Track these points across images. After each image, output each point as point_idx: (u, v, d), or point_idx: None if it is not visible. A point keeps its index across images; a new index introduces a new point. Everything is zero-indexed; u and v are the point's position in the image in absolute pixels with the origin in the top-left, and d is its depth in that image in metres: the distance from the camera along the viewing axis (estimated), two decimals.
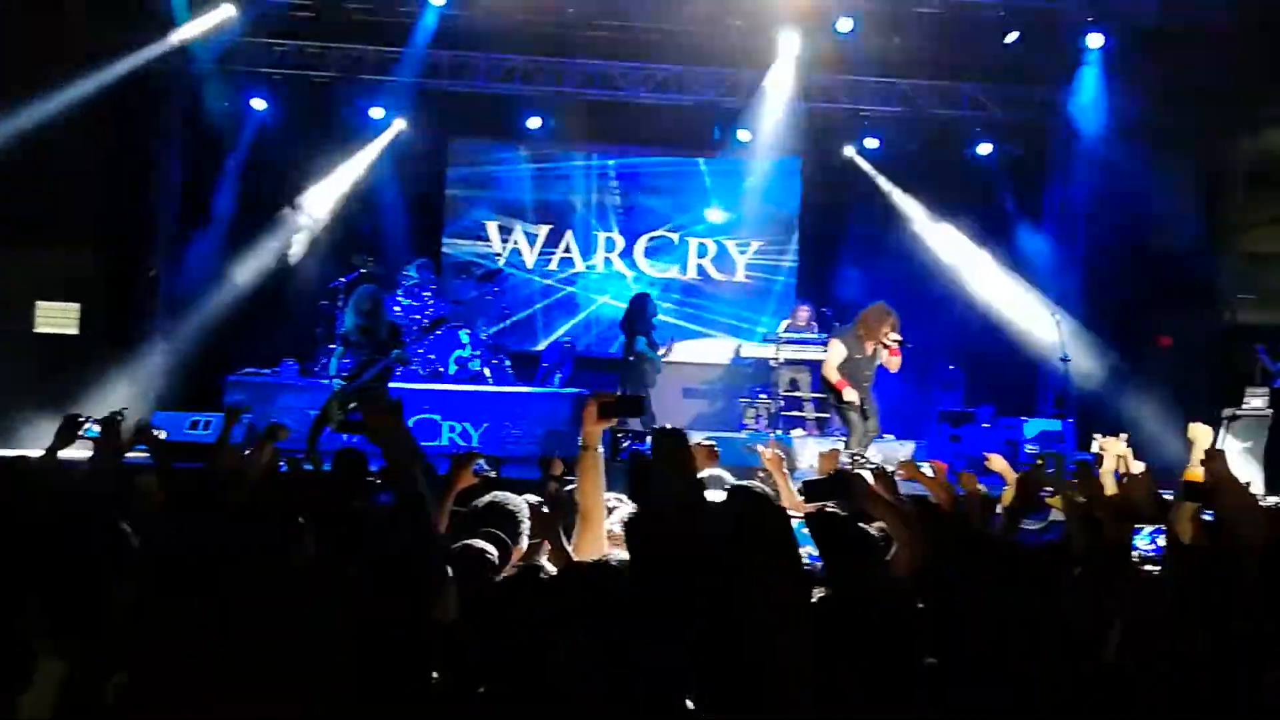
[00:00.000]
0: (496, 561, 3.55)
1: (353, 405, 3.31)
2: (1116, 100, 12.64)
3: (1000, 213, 13.77)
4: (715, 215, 14.48)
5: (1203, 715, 2.52)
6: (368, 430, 3.13)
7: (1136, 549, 3.12)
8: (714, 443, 5.44)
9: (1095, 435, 5.53)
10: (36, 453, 5.69)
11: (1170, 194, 13.51)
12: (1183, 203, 13.45)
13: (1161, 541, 3.17)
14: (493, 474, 5.12)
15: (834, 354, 9.85)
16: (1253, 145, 13.07)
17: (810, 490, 3.59)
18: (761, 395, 12.51)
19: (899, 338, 9.66)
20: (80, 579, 2.73)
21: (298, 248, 12.77)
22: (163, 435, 7.01)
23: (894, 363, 9.79)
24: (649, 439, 3.07)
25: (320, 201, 13.07)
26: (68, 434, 5.45)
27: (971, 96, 13.01)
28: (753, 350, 12.94)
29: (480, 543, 3.65)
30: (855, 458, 9.16)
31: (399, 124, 13.40)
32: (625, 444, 3.23)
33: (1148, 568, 3.09)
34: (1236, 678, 2.60)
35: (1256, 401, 10.06)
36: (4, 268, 10.76)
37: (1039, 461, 5.23)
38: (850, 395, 9.71)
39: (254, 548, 2.80)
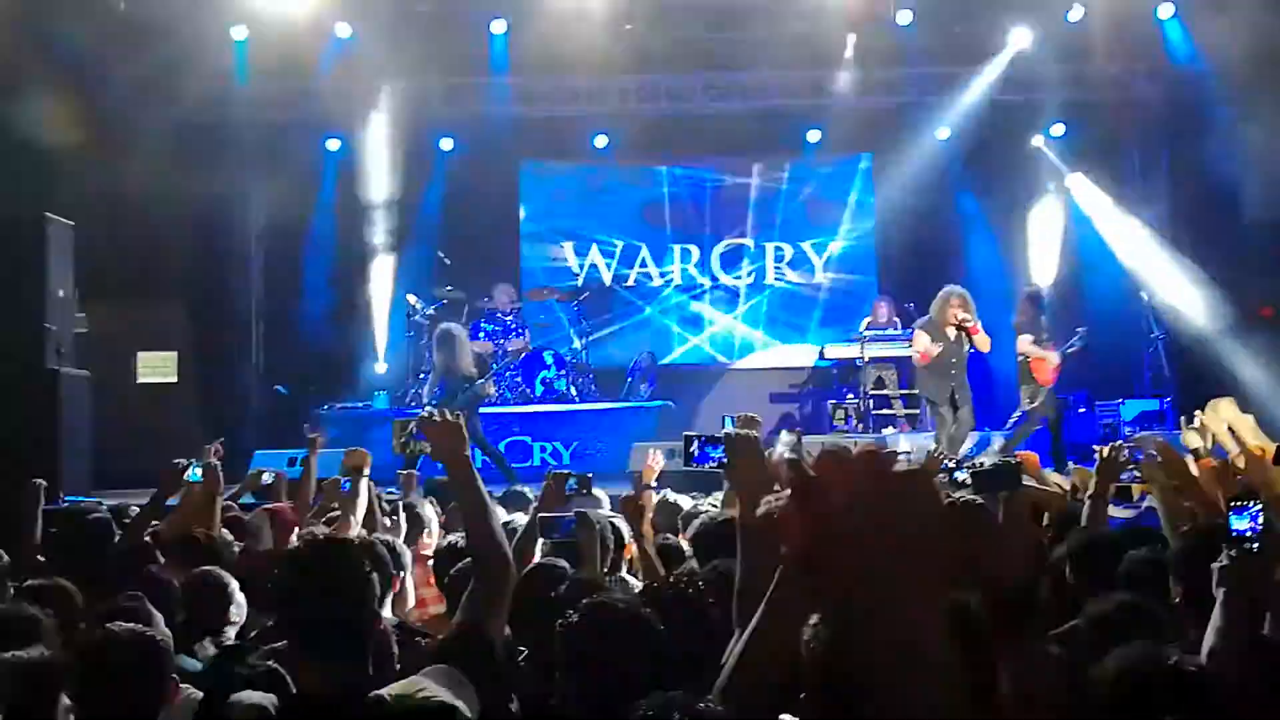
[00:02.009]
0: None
1: (412, 428, 3.39)
2: (1199, 65, 12.34)
3: (1083, 192, 13.50)
4: (788, 219, 14.42)
5: None
6: (431, 450, 3.22)
7: (1235, 530, 3.02)
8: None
9: (1197, 412, 5.33)
10: (142, 500, 5.91)
11: (1265, 159, 13.16)
12: (1271, 168, 13.08)
13: (1262, 520, 3.08)
14: (584, 493, 5.16)
15: (919, 342, 9.83)
16: None
17: (978, 480, 3.69)
18: (849, 395, 12.43)
19: (968, 316, 9.53)
20: None
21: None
22: (267, 477, 7.20)
23: (982, 341, 9.70)
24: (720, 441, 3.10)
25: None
26: (172, 480, 5.64)
27: (1039, 78, 12.75)
28: (837, 351, 12.87)
29: (555, 561, 3.74)
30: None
31: (469, 153, 13.58)
32: (698, 447, 3.23)
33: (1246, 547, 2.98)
34: None
35: None
36: (106, 321, 11.12)
37: (1116, 445, 5.08)
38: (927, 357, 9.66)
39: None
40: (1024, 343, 10.30)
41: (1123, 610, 3.10)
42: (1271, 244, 12.60)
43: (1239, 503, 3.10)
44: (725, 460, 2.95)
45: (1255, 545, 2.97)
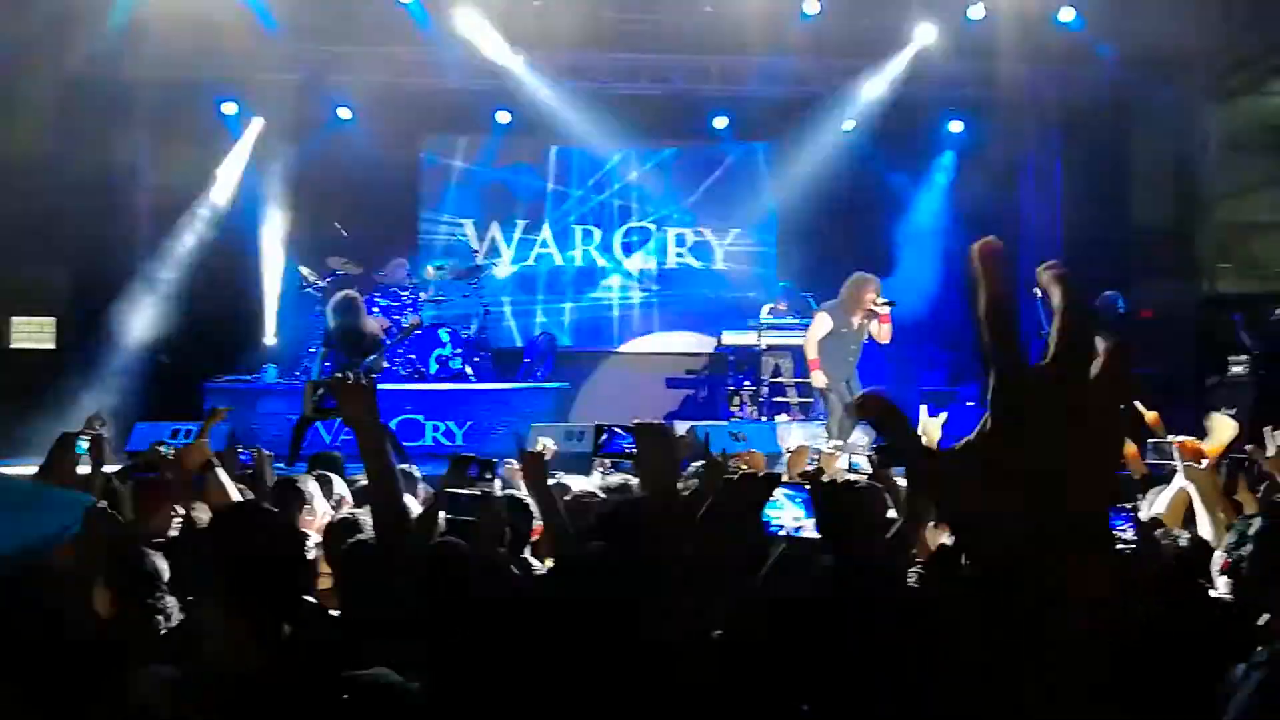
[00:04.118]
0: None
1: (322, 391, 3.27)
2: (1086, 71, 12.66)
3: (976, 189, 13.75)
4: (691, 204, 14.43)
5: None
6: (341, 414, 3.13)
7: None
8: (683, 433, 5.38)
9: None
10: (25, 470, 5.64)
11: (1145, 166, 13.58)
12: (1158, 174, 13.51)
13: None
14: (487, 477, 5.06)
15: (818, 326, 9.81)
16: (1226, 112, 13.10)
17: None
18: (746, 382, 12.50)
19: (886, 300, 9.57)
20: None
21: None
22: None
23: (884, 332, 9.66)
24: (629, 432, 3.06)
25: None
26: (63, 452, 5.39)
27: (944, 72, 12.92)
28: (735, 338, 12.92)
29: (454, 540, 3.66)
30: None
31: (369, 122, 13.25)
32: (605, 437, 3.20)
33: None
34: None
35: (1238, 369, 10.11)
36: None
37: None
38: (819, 380, 9.70)
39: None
40: None
41: None
42: (1156, 248, 13.02)
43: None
44: (635, 449, 2.91)
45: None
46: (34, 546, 3.07)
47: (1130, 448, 5.72)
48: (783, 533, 2.81)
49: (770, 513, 2.64)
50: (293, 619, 2.62)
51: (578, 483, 5.49)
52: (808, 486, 2.94)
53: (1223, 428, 4.67)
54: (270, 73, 12.56)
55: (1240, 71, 12.38)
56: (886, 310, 9.56)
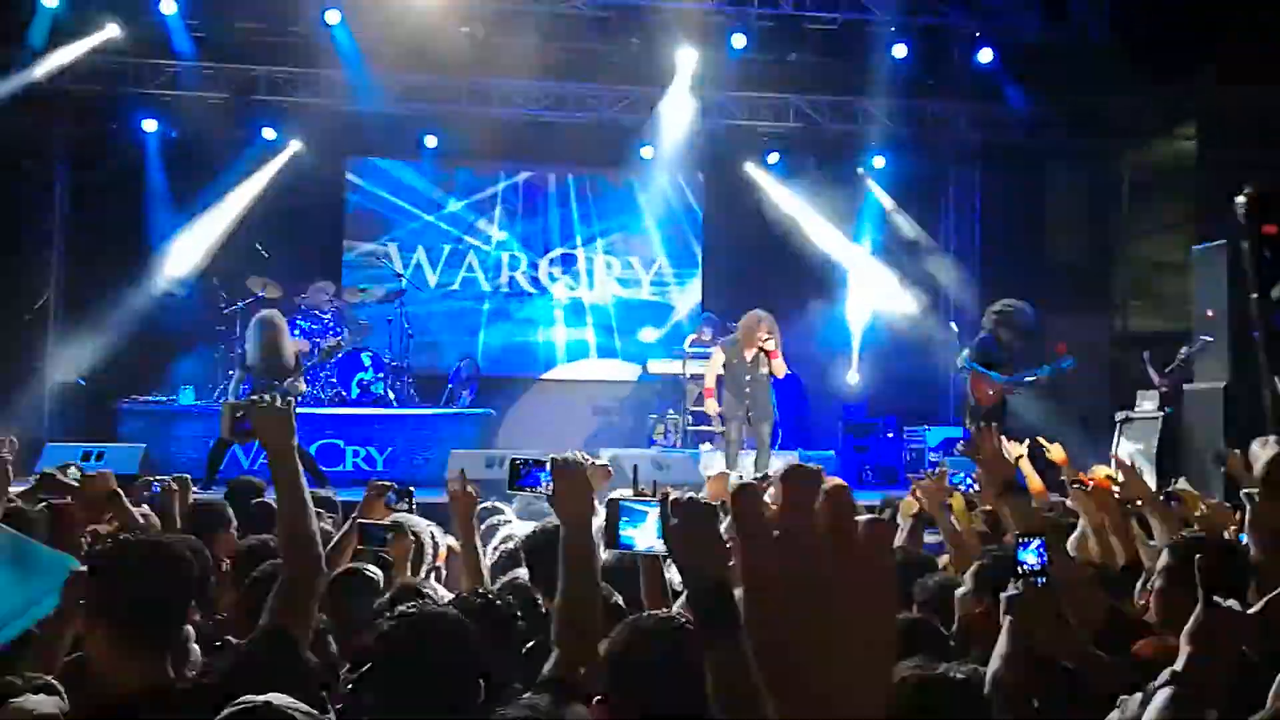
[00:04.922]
0: (380, 585, 3.54)
1: (240, 414, 3.21)
2: (1005, 113, 12.98)
3: (897, 224, 14.00)
4: (618, 232, 14.49)
5: None
6: (257, 436, 3.10)
7: (1022, 563, 3.16)
8: (607, 463, 5.37)
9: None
10: None
11: (1061, 205, 13.95)
12: (1073, 213, 13.89)
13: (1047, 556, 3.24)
14: (403, 507, 5.02)
15: (714, 361, 10.22)
16: (1137, 156, 13.51)
17: None
18: (670, 411, 12.54)
19: (767, 337, 9.83)
20: None
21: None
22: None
23: (778, 366, 9.99)
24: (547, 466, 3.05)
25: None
26: None
27: (864, 111, 13.15)
28: (660, 366, 12.98)
29: (366, 566, 3.63)
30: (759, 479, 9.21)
31: (295, 145, 13.13)
32: (524, 470, 3.19)
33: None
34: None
35: (1147, 404, 10.37)
36: None
37: (941, 470, 5.28)
38: (710, 407, 10.24)
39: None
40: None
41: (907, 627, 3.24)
42: (1070, 284, 13.35)
43: (1025, 538, 3.22)
44: (551, 485, 2.92)
45: (1040, 579, 3.10)
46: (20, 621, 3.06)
47: (1035, 483, 5.88)
48: (635, 550, 2.84)
49: (626, 531, 2.67)
50: (175, 648, 2.63)
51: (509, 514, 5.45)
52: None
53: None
54: (193, 90, 12.39)
55: (1150, 114, 12.75)
56: (772, 347, 9.85)
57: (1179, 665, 2.30)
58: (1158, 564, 3.53)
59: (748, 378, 9.94)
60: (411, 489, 4.94)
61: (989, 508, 4.90)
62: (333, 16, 11.92)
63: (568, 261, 14.44)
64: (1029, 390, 10.47)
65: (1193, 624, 2.32)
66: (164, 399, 11.82)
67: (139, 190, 12.79)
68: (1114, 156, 13.55)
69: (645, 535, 2.72)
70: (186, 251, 12.74)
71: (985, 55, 12.58)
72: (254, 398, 2.83)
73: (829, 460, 11.48)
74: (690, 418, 12.33)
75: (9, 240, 12.00)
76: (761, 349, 9.86)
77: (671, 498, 2.34)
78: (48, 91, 11.76)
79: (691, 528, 2.10)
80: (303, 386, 10.39)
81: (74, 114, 12.36)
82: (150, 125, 12.73)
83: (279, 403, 3.07)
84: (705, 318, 13.19)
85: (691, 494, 2.54)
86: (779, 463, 9.78)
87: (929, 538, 5.25)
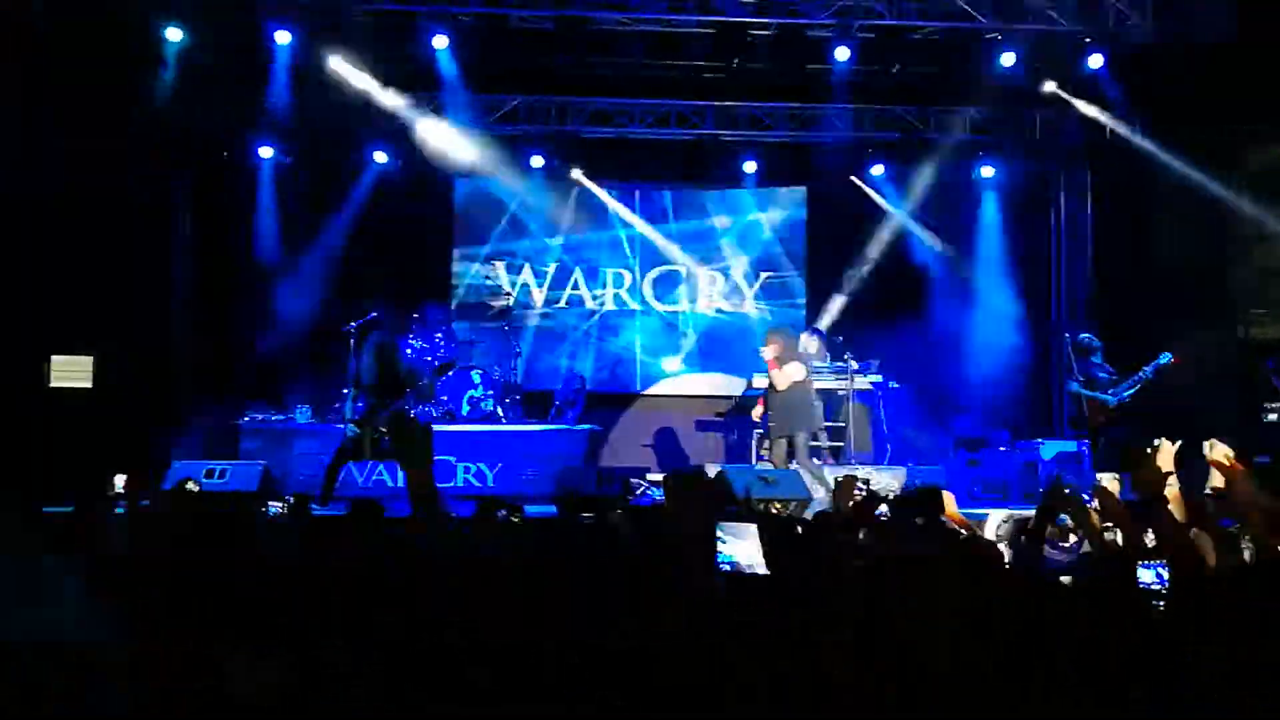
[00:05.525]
0: None
1: (384, 431, 3.30)
2: (1120, 117, 12.68)
3: (1010, 234, 13.77)
4: (723, 247, 14.50)
5: None
6: (399, 456, 3.19)
7: (1142, 583, 3.08)
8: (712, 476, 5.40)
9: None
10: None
11: (1179, 210, 13.55)
12: (1192, 218, 13.47)
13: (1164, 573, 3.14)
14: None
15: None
16: (1259, 159, 13.07)
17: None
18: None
19: (765, 356, 10.41)
20: None
21: None
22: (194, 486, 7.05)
23: (775, 378, 10.42)
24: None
25: None
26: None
27: (972, 120, 12.99)
28: (763, 381, 12.91)
29: None
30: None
31: (404, 166, 13.43)
32: (639, 490, 3.26)
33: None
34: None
35: (1273, 415, 10.04)
36: (16, 324, 10.80)
37: (1057, 482, 5.16)
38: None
39: None
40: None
41: None
42: (1182, 290, 12.97)
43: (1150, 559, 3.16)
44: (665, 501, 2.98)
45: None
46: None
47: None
48: (733, 569, 2.85)
49: (723, 548, 2.69)
50: None
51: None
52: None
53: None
54: (306, 118, 12.72)
55: (1272, 117, 12.34)
56: (769, 357, 10.38)
57: None
58: None
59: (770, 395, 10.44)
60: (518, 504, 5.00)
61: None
62: (440, 41, 12.11)
63: (671, 277, 14.49)
64: (1135, 398, 10.22)
65: None
66: (282, 417, 12.14)
67: (254, 216, 13.18)
68: (1235, 159, 13.11)
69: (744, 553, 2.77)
70: (302, 274, 13.11)
71: (1095, 60, 12.30)
72: (396, 415, 2.90)
73: (936, 474, 11.31)
74: None
75: (137, 256, 12.38)
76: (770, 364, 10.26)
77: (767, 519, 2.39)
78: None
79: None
80: (430, 393, 10.73)
81: (190, 145, 12.73)
82: (266, 152, 13.13)
83: (419, 426, 3.17)
84: (810, 332, 13.12)
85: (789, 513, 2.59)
86: (829, 474, 9.81)
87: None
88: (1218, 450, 5.37)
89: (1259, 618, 2.75)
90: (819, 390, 12.17)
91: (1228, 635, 2.81)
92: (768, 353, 10.26)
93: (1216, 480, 4.68)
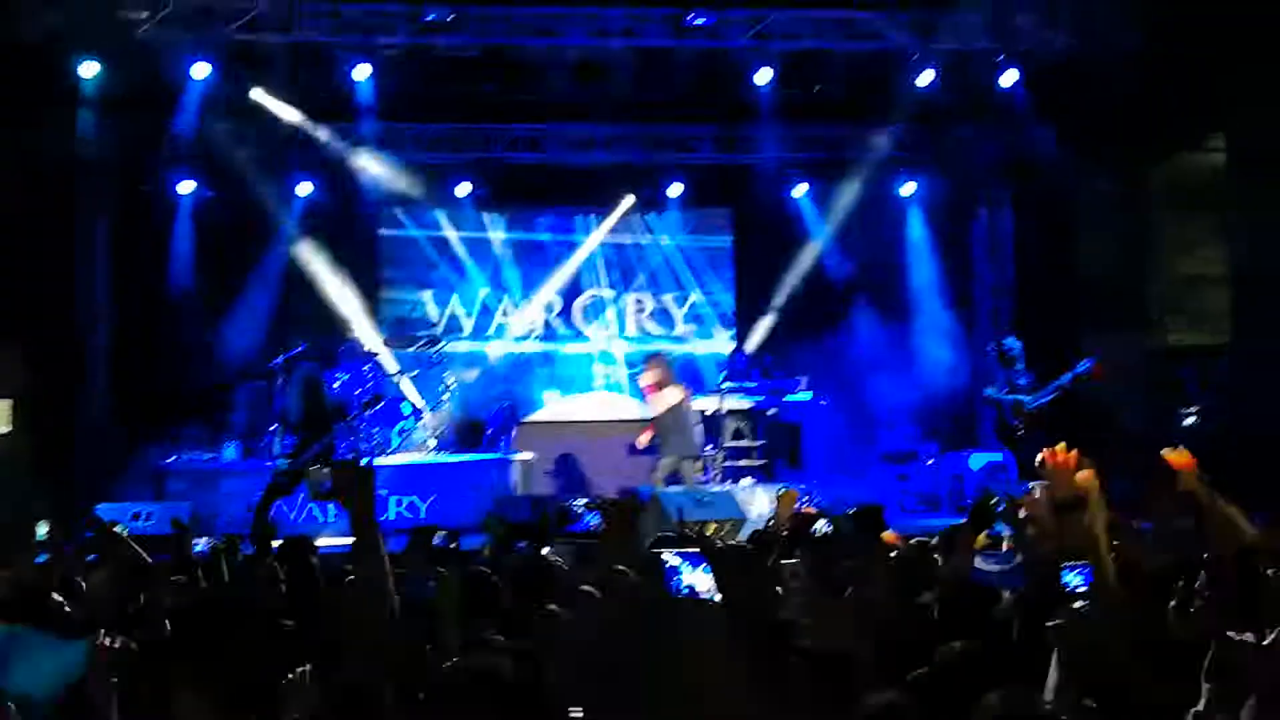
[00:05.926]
0: None
1: (326, 471, 3.27)
2: (1036, 132, 12.91)
3: (934, 249, 13.95)
4: (651, 271, 14.52)
5: None
6: (339, 496, 3.14)
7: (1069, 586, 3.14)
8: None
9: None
10: None
11: (1095, 221, 13.83)
12: (1108, 229, 13.76)
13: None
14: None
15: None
16: (1173, 169, 13.39)
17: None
18: (708, 447, 12.50)
19: (642, 382, 11.01)
20: None
21: None
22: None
23: (651, 403, 11.00)
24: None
25: None
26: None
27: (894, 137, 13.18)
28: (696, 404, 12.94)
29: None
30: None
31: (329, 196, 13.31)
32: (578, 513, 3.26)
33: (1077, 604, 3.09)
34: None
35: (1189, 420, 10.27)
36: None
37: (986, 495, 5.22)
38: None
39: None
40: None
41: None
42: (1100, 299, 13.23)
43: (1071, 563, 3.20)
44: (601, 526, 2.97)
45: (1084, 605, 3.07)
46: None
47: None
48: (688, 594, 2.87)
49: (684, 577, 2.70)
50: None
51: None
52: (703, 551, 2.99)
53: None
54: (230, 148, 12.57)
55: (1184, 127, 12.65)
56: (644, 384, 10.96)
57: None
58: None
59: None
60: (458, 531, 4.96)
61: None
62: (362, 71, 11.99)
63: (599, 303, 14.48)
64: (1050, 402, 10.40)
65: None
66: (209, 456, 11.92)
67: (171, 250, 12.95)
68: (1149, 170, 13.42)
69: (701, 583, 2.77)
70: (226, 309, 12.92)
71: (1009, 77, 12.51)
72: (338, 460, 2.88)
73: (864, 488, 11.38)
74: (726, 452, 12.29)
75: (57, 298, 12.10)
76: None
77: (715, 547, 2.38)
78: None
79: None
80: (355, 429, 10.60)
81: (108, 181, 12.50)
82: (186, 187, 12.92)
83: (360, 466, 3.11)
84: (740, 352, 13.21)
85: (733, 542, 2.59)
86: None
87: None
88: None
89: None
90: (749, 410, 12.25)
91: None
92: (645, 379, 10.39)
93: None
